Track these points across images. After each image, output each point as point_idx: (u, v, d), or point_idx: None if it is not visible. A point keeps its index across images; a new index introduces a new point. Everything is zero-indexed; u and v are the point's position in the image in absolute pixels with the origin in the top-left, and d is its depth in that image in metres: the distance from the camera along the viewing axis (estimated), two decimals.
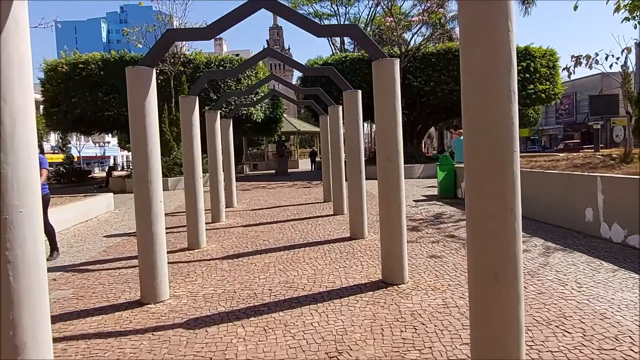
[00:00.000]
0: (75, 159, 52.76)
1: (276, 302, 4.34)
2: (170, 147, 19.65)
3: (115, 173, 29.48)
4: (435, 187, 13.79)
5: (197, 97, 6.95)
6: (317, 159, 35.24)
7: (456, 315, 3.83)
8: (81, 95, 20.66)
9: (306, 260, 5.82)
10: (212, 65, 21.77)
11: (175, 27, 21.36)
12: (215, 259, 6.18)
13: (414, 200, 11.22)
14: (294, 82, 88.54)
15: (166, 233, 8.63)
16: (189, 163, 6.75)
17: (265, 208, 11.03)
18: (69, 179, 27.74)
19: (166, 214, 10.75)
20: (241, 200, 12.71)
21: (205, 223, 9.00)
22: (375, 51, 4.58)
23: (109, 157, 71.63)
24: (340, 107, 9.33)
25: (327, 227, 8.10)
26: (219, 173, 9.22)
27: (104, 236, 8.36)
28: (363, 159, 6.97)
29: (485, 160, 2.32)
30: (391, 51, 21.62)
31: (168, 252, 6.65)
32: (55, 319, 3.97)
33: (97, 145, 66.79)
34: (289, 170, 27.58)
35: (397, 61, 4.65)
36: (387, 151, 4.62)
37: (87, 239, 8.11)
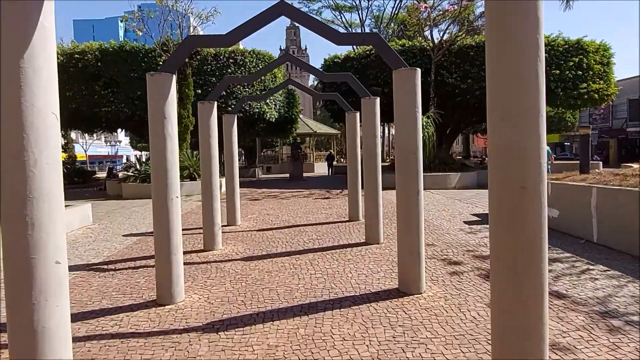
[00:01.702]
0: (85, 158, 51.34)
1: None
2: None
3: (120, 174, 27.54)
4: (482, 203, 11.36)
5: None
6: (335, 163, 32.97)
7: None
8: (77, 89, 18.65)
9: (337, 345, 3.48)
10: (221, 57, 19.63)
11: (194, 35, 19.29)
12: (190, 329, 3.87)
13: (464, 222, 8.80)
14: (310, 83, 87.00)
15: (139, 267, 6.42)
16: (159, 175, 4.46)
17: (276, 228, 8.71)
18: (70, 180, 25.87)
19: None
20: (247, 215, 10.42)
21: (194, 252, 6.78)
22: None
23: (121, 156, 70.06)
24: (377, 99, 7.00)
25: (360, 266, 5.75)
26: (213, 184, 6.94)
27: None
28: (422, 167, 4.61)
29: None
30: (423, 44, 19.24)
31: (125, 311, 4.39)
32: None
33: (108, 144, 65.32)
34: (305, 175, 25.25)
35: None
36: (518, 172, 2.27)
37: None
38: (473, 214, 9.75)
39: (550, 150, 13.67)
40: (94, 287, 5.19)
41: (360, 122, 8.96)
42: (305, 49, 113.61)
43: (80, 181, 25.92)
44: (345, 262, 5.95)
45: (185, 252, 6.73)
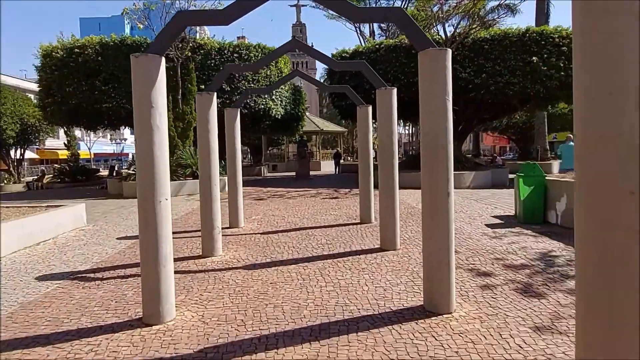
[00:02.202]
0: (88, 156, 50.93)
1: None
2: (175, 145, 16.98)
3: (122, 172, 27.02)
4: (501, 203, 10.67)
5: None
6: (342, 161, 32.31)
7: None
8: (77, 84, 18.08)
9: None
10: (225, 51, 19.00)
11: (184, 10, 18.71)
12: (178, 358, 3.23)
13: (486, 225, 8.10)
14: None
15: (128, 276, 5.78)
16: (145, 174, 3.82)
17: (282, 231, 8.06)
18: (73, 178, 25.45)
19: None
20: (251, 216, 9.78)
21: (192, 258, 6.15)
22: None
23: (127, 154, 69.70)
24: (394, 90, 6.33)
25: (376, 277, 5.08)
26: (213, 183, 6.30)
27: (37, 278, 5.52)
28: (452, 164, 3.93)
29: None
30: (435, 37, 18.50)
31: (106, 332, 3.75)
32: None
33: (113, 142, 64.94)
34: (311, 173, 24.57)
35: None
36: (626, 170, 1.60)
37: (6, 284, 5.27)
38: (494, 216, 9.04)
39: None
40: (75, 300, 4.57)
41: (373, 116, 8.32)
42: (312, 46, 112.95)
43: (84, 179, 25.51)
44: (360, 271, 5.28)
45: (181, 259, 6.12)
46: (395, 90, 6.26)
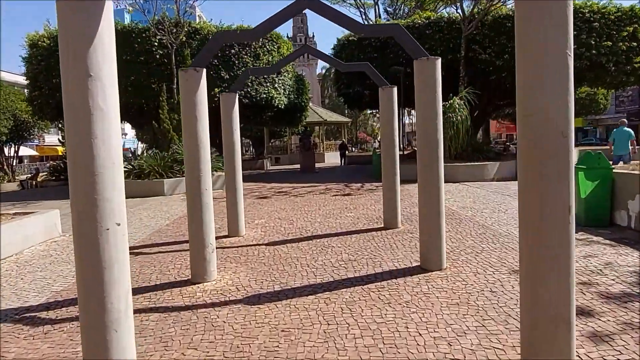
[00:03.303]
0: None
1: None
2: (170, 139, 15.59)
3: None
4: None
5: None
6: (347, 152, 30.85)
7: None
8: None
9: None
10: None
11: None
12: None
13: None
14: (317, 71, 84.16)
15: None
16: (82, 183, 2.40)
17: (291, 241, 6.63)
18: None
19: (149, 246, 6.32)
20: (254, 220, 8.36)
21: (177, 285, 4.72)
22: None
23: (127, 149, 68.35)
24: (439, 60, 4.86)
25: (429, 317, 3.64)
26: (203, 186, 4.85)
27: None
28: (573, 163, 2.48)
29: None
30: (451, 15, 16.99)
31: None
32: None
33: None
34: (316, 166, 23.07)
35: None
36: None
37: None
38: None
39: (632, 133, 11.37)
40: None
41: (399, 97, 6.87)
42: (313, 36, 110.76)
43: None
44: (404, 308, 3.85)
45: (164, 286, 4.70)
46: (439, 61, 4.80)
